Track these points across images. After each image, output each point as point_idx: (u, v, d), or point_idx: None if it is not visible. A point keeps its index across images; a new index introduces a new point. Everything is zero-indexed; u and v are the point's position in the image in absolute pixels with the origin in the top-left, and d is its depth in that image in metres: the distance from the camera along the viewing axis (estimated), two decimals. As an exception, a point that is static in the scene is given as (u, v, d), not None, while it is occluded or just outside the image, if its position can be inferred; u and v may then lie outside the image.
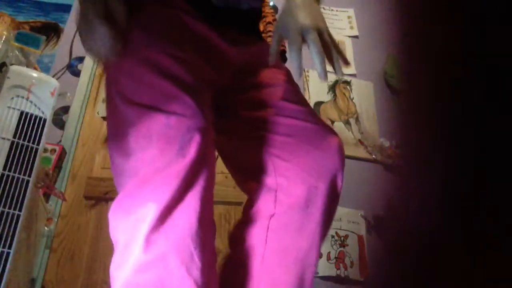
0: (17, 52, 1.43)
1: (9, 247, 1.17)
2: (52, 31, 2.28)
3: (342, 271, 1.91)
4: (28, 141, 1.26)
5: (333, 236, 1.97)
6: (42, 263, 1.75)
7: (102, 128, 2.07)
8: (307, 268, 0.73)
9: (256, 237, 0.76)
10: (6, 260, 1.15)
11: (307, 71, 2.31)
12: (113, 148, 0.71)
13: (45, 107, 1.31)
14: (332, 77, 2.35)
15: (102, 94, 2.14)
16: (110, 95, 0.74)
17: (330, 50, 0.74)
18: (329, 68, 0.72)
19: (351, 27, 2.60)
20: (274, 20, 2.19)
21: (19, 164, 1.23)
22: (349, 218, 2.02)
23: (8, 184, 1.20)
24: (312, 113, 0.86)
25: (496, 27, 0.26)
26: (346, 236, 1.99)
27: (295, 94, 0.88)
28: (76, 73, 2.19)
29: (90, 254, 1.80)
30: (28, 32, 1.63)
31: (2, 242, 1.16)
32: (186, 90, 0.68)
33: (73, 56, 2.24)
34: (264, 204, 0.78)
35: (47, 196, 1.78)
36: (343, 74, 0.77)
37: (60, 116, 2.04)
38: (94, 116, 2.10)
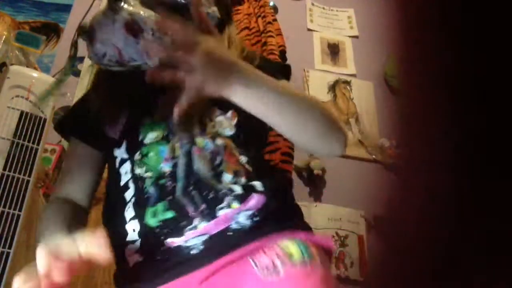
0: (17, 52, 1.43)
1: (9, 247, 1.17)
2: (52, 31, 2.27)
3: (342, 271, 1.91)
4: (28, 141, 1.26)
5: (333, 236, 1.97)
6: (42, 263, 1.74)
7: (102, 128, 2.07)
8: None
9: None
10: (6, 260, 1.15)
11: (307, 71, 2.31)
12: None
13: (45, 107, 1.32)
14: (332, 77, 2.35)
15: (102, 94, 2.13)
16: None
17: None
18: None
19: (351, 27, 2.60)
20: (275, 20, 2.19)
21: (19, 164, 1.23)
22: (349, 218, 2.02)
23: (8, 184, 1.20)
24: None
25: (495, 27, 0.26)
26: (346, 236, 1.99)
27: None
28: (76, 73, 2.19)
29: (90, 254, 1.79)
30: (28, 32, 1.63)
31: (2, 242, 1.16)
32: None
33: (73, 56, 2.24)
34: None
35: (47, 196, 1.78)
36: None
37: (60, 116, 2.04)
38: (94, 116, 2.09)
